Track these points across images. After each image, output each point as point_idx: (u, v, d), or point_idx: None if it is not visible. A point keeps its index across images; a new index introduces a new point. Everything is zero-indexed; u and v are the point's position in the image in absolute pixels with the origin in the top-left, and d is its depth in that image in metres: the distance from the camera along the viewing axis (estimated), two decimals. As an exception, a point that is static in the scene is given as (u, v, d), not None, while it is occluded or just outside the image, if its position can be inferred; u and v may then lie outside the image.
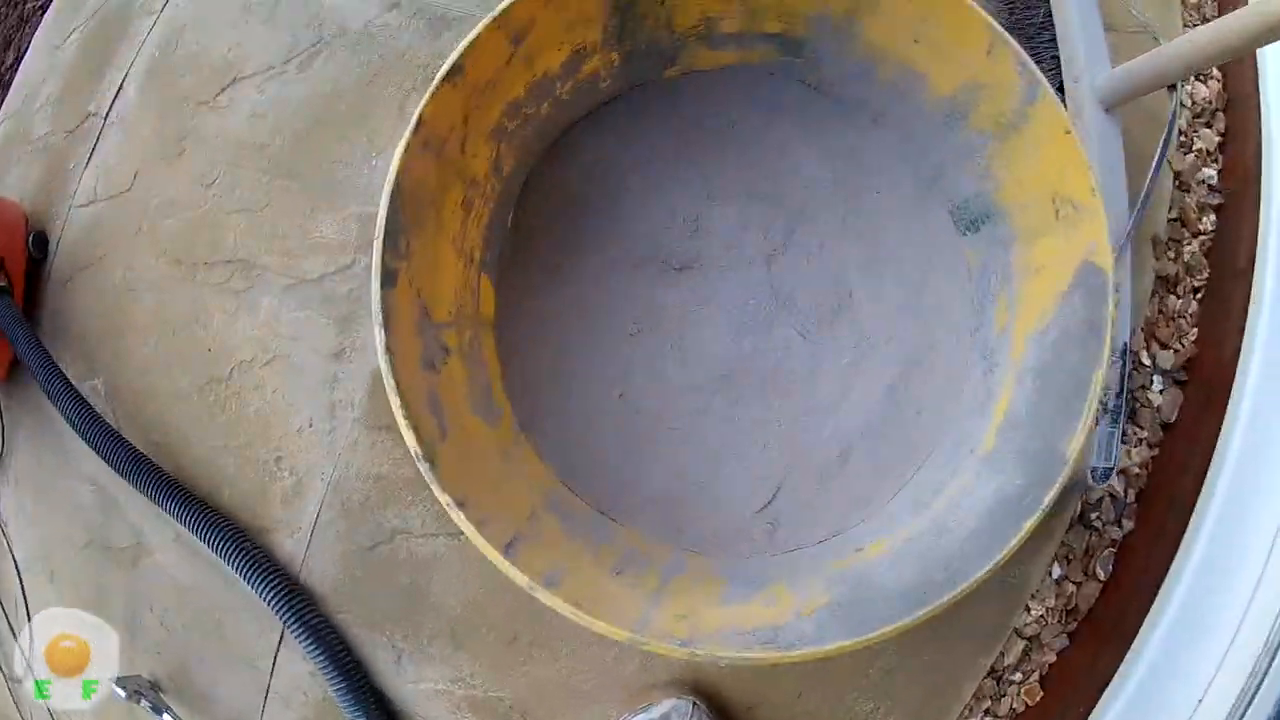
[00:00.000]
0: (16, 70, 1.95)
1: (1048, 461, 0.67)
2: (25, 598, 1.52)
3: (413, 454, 0.62)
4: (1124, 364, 1.05)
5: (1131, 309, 1.14)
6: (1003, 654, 1.14)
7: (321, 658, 1.15)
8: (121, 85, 1.65)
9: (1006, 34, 0.71)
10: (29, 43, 2.01)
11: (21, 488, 1.58)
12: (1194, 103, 1.39)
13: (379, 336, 0.64)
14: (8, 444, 1.56)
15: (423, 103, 0.67)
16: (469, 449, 0.68)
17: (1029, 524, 0.66)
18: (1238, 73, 1.40)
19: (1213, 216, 1.32)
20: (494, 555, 0.58)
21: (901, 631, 0.66)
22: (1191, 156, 1.35)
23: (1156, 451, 1.18)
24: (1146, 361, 1.21)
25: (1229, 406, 1.15)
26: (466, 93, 0.70)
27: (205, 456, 1.32)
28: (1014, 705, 1.16)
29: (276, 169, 1.37)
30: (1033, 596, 1.15)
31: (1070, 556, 1.17)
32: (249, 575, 1.20)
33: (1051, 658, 1.15)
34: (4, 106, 1.92)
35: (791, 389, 0.92)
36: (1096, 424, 1.01)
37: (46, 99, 1.82)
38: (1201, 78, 1.41)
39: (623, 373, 0.91)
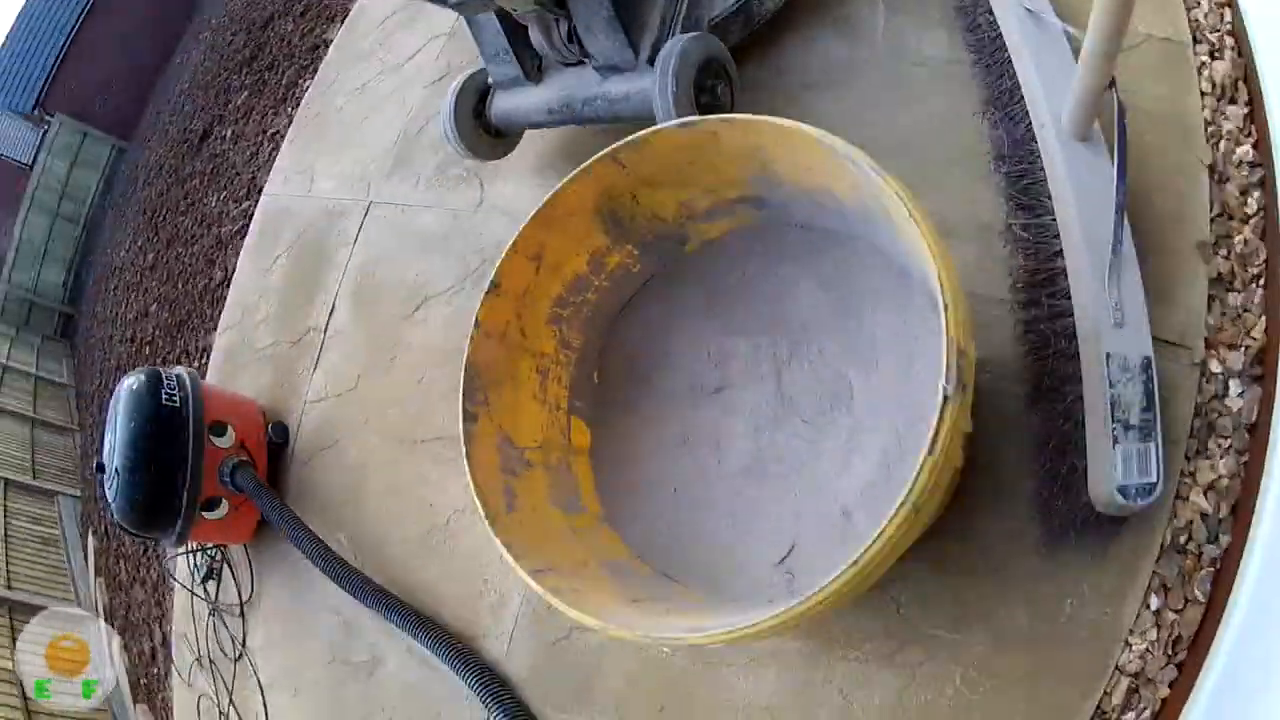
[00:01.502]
0: (226, 287, 2.80)
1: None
2: (267, 713, 2.14)
3: (481, 517, 1.08)
4: (1148, 379, 1.17)
5: (1151, 319, 1.23)
6: (1108, 694, 1.19)
7: None
8: (334, 305, 2.37)
9: (835, 140, 1.03)
10: (233, 264, 2.86)
11: (270, 623, 2.24)
12: (1214, 85, 1.46)
13: (463, 450, 1.13)
14: (257, 589, 2.24)
15: (478, 309, 1.18)
16: (536, 522, 1.13)
17: (878, 534, 0.92)
18: (1245, 35, 1.47)
19: (1258, 194, 1.35)
20: (521, 572, 1.01)
21: (777, 626, 0.93)
22: (1223, 143, 1.40)
23: (1246, 457, 1.21)
24: (1216, 369, 1.25)
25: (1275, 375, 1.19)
26: (509, 299, 1.20)
27: (430, 583, 1.89)
28: None
29: None
30: (1131, 632, 1.20)
31: (1167, 585, 1.19)
32: (462, 671, 1.66)
33: (1164, 692, 1.16)
34: (223, 318, 2.78)
35: (801, 468, 1.27)
36: (1115, 444, 1.14)
37: (266, 316, 2.60)
38: (1216, 53, 1.48)
39: (676, 473, 1.32)
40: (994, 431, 1.34)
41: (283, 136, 3.03)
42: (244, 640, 2.25)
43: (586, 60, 1.71)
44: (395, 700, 1.87)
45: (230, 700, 2.21)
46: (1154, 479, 1.14)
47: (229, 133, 3.64)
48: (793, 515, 1.26)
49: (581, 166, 1.17)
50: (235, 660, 2.24)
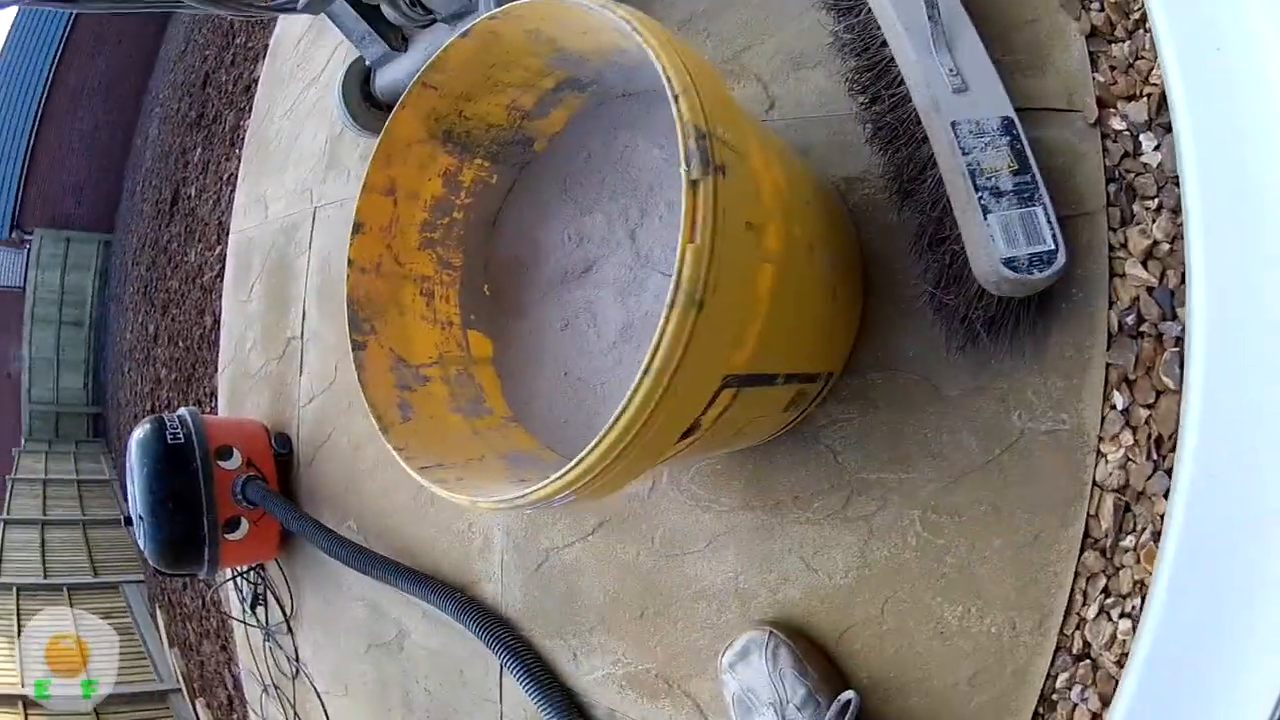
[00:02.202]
0: (218, 329, 3.01)
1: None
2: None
3: (376, 431, 1.20)
4: (1014, 140, 1.13)
5: (1037, 90, 1.22)
6: (1095, 517, 1.10)
7: (519, 672, 1.67)
8: (305, 311, 2.59)
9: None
10: (219, 307, 3.07)
11: (313, 629, 2.43)
12: None
13: (356, 376, 1.25)
14: (296, 600, 2.43)
15: (347, 247, 1.31)
16: (431, 428, 1.25)
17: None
18: None
19: None
20: (412, 472, 1.12)
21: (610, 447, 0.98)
22: None
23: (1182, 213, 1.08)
24: (1119, 125, 1.17)
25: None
26: (375, 235, 1.32)
27: (425, 543, 2.06)
28: (1137, 576, 1.06)
29: None
30: (1101, 439, 1.11)
31: (1128, 377, 1.10)
32: (464, 620, 1.80)
33: (1162, 506, 1.04)
34: (220, 359, 3.03)
35: None
36: (987, 214, 1.08)
37: (253, 342, 2.81)
38: None
39: (563, 358, 1.43)
40: (883, 249, 1.35)
41: (236, 177, 3.26)
42: (296, 655, 2.44)
43: (437, 18, 1.86)
44: (425, 668, 2.03)
45: (297, 717, 2.39)
46: (1050, 245, 1.08)
47: (193, 190, 3.92)
48: None
49: (398, 100, 1.28)
50: (294, 678, 2.44)
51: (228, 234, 3.17)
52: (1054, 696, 1.13)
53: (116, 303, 6.80)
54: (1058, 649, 1.13)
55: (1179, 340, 1.07)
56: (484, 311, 1.50)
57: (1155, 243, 1.11)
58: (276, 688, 2.53)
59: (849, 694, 1.18)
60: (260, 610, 2.61)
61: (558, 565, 1.76)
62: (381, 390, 1.25)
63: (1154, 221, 1.12)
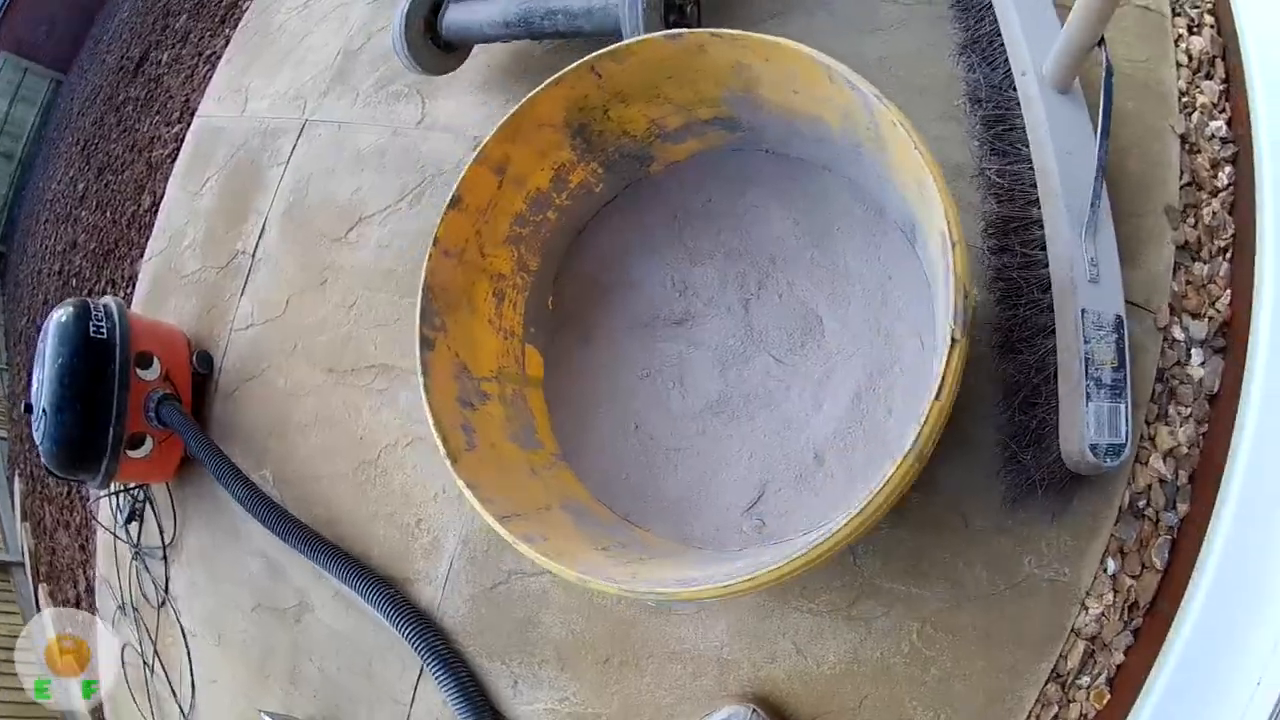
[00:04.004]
0: (155, 214, 2.63)
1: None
2: (191, 663, 2.03)
3: (442, 456, 0.98)
4: (1120, 337, 1.14)
5: (1124, 280, 1.22)
6: (1064, 657, 1.19)
7: (451, 686, 1.48)
8: (264, 227, 2.24)
9: (833, 63, 0.97)
10: (163, 190, 2.69)
11: (193, 566, 2.12)
12: (1190, 58, 1.45)
13: (420, 381, 1.02)
14: (180, 531, 2.12)
15: (436, 225, 1.07)
16: (496, 460, 1.05)
17: (886, 480, 0.87)
18: (1227, 13, 1.46)
19: (1229, 169, 1.34)
20: (490, 519, 0.92)
21: (759, 585, 0.89)
22: (1196, 115, 1.40)
23: (1206, 427, 1.22)
24: (1179, 336, 1.25)
25: (1247, 363, 1.18)
26: (470, 215, 1.09)
27: (360, 523, 1.78)
28: (1083, 710, 1.17)
29: (403, 289, 1.87)
30: (1088, 594, 1.20)
31: (1124, 549, 1.20)
32: (394, 619, 1.57)
33: (1119, 658, 1.17)
34: (150, 245, 2.61)
35: (770, 407, 1.21)
36: (1088, 401, 1.12)
37: (193, 240, 2.44)
38: (1194, 28, 1.47)
39: (636, 409, 1.24)
40: (962, 386, 1.30)
41: (219, 57, 2.81)
42: (167, 586, 2.12)
43: None
44: (324, 649, 1.79)
45: (155, 650, 2.09)
46: (1123, 440, 1.12)
47: (165, 57, 3.40)
48: (762, 456, 1.21)
49: (556, 75, 1.09)
50: (159, 607, 2.12)
51: (193, 115, 2.72)
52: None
53: (51, 146, 5.97)
54: (1010, 764, 1.19)
55: (1172, 529, 1.20)
56: (544, 326, 1.30)
57: (1178, 444, 1.21)
58: (136, 610, 2.18)
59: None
60: (134, 527, 2.25)
61: (519, 590, 1.55)
62: (446, 404, 1.03)
63: (1181, 426, 1.22)
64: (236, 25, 2.84)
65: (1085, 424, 1.12)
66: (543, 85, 1.08)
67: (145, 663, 2.12)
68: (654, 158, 1.27)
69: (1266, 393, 1.15)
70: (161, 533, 2.17)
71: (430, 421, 1.01)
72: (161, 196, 2.66)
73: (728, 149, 1.28)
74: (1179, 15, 1.50)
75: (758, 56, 0.99)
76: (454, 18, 1.75)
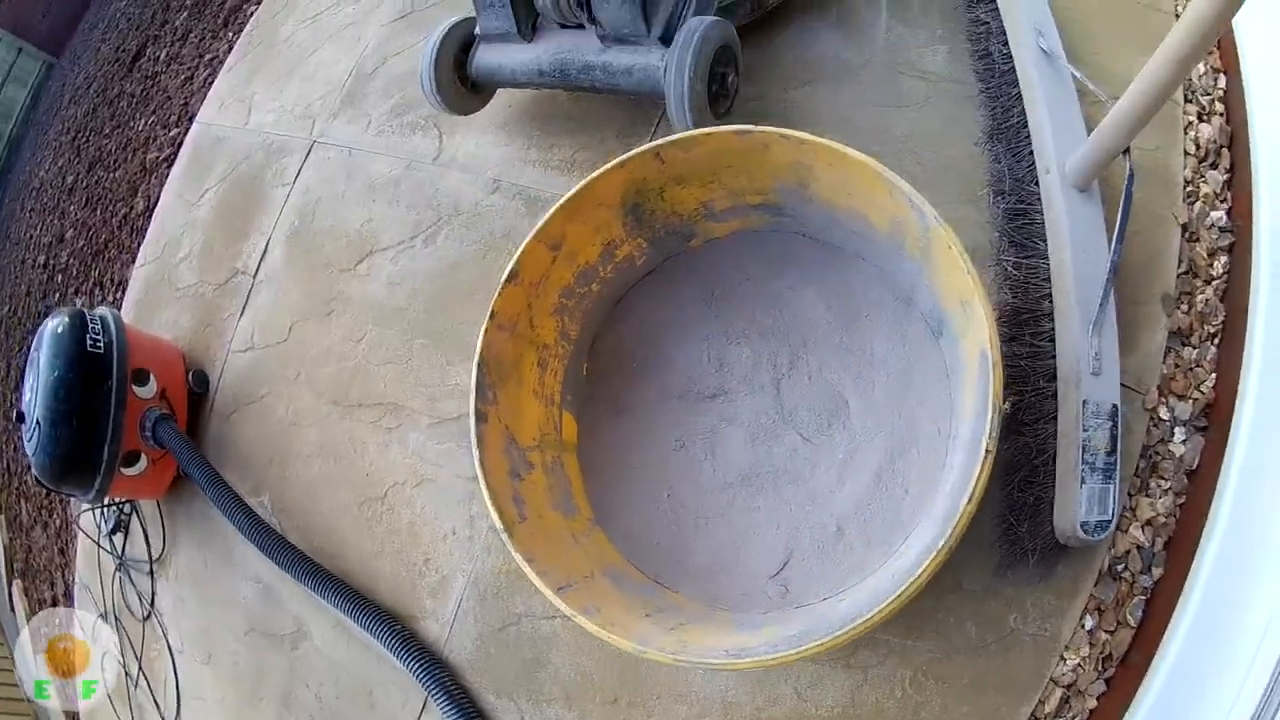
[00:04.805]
0: (149, 218, 2.60)
1: (950, 517, 0.96)
2: (177, 678, 2.05)
3: (499, 530, 1.02)
4: (1114, 425, 1.24)
5: (1120, 368, 1.31)
6: (1042, 702, 1.31)
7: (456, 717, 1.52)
8: (266, 248, 2.23)
9: (898, 180, 1.05)
10: (157, 194, 2.67)
11: (181, 583, 2.13)
12: (1199, 146, 1.54)
13: (475, 455, 1.06)
14: (168, 547, 2.11)
15: (493, 299, 1.10)
16: (543, 530, 1.10)
17: (922, 570, 0.94)
18: (1238, 103, 1.53)
19: (1225, 259, 1.45)
20: (549, 593, 0.97)
21: (806, 655, 0.96)
22: (1198, 204, 1.49)
23: (1184, 499, 1.34)
24: (1165, 416, 1.37)
25: (1228, 445, 1.29)
26: (525, 288, 1.14)
27: (364, 559, 1.81)
28: None
29: (414, 329, 1.89)
30: (1067, 648, 1.32)
31: (1101, 608, 1.32)
32: (400, 653, 1.60)
33: (1092, 703, 1.31)
34: (143, 251, 2.57)
35: (796, 482, 1.28)
36: (1083, 484, 1.23)
37: (190, 252, 2.41)
38: (1204, 116, 1.56)
39: (669, 478, 1.31)
40: None
41: (221, 63, 2.78)
42: (153, 600, 2.11)
43: (588, 26, 1.62)
44: (322, 676, 1.81)
45: (139, 661, 2.09)
46: (1110, 517, 1.24)
47: (163, 54, 3.32)
48: (788, 527, 1.28)
49: (619, 159, 1.15)
50: (144, 620, 2.10)
51: (191, 120, 2.69)
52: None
53: (40, 132, 5.75)
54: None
55: (1147, 590, 1.32)
56: (578, 393, 1.36)
57: (1157, 514, 1.32)
58: (118, 619, 2.16)
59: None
60: (118, 538, 2.22)
61: (528, 631, 1.60)
62: (499, 477, 1.09)
63: (1160, 499, 1.33)
64: (240, 30, 2.82)
65: (1079, 504, 1.22)
66: (606, 167, 1.14)
67: (127, 673, 2.11)
68: (696, 234, 1.34)
69: (1245, 469, 1.25)
70: (149, 547, 2.18)
71: (486, 496, 1.06)
72: (156, 201, 2.64)
73: (767, 230, 1.35)
74: (1190, 102, 1.59)
75: (820, 161, 1.06)
76: (485, 60, 1.76)
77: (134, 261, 2.56)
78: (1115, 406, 1.25)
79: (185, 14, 3.33)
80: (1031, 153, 1.42)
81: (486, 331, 1.12)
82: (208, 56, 2.90)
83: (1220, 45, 1.61)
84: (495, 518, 1.03)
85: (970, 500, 0.93)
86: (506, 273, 1.12)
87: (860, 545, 1.22)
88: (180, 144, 2.65)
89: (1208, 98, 1.58)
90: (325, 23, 2.50)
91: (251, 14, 2.81)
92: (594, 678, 1.51)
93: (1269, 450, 1.24)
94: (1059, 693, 1.30)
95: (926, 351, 1.27)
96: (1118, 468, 1.25)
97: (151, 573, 2.15)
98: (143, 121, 3.10)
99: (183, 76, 2.98)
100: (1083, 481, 1.23)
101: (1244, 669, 1.14)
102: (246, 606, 1.95)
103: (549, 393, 1.26)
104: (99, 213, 3.04)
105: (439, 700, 1.54)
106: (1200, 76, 1.60)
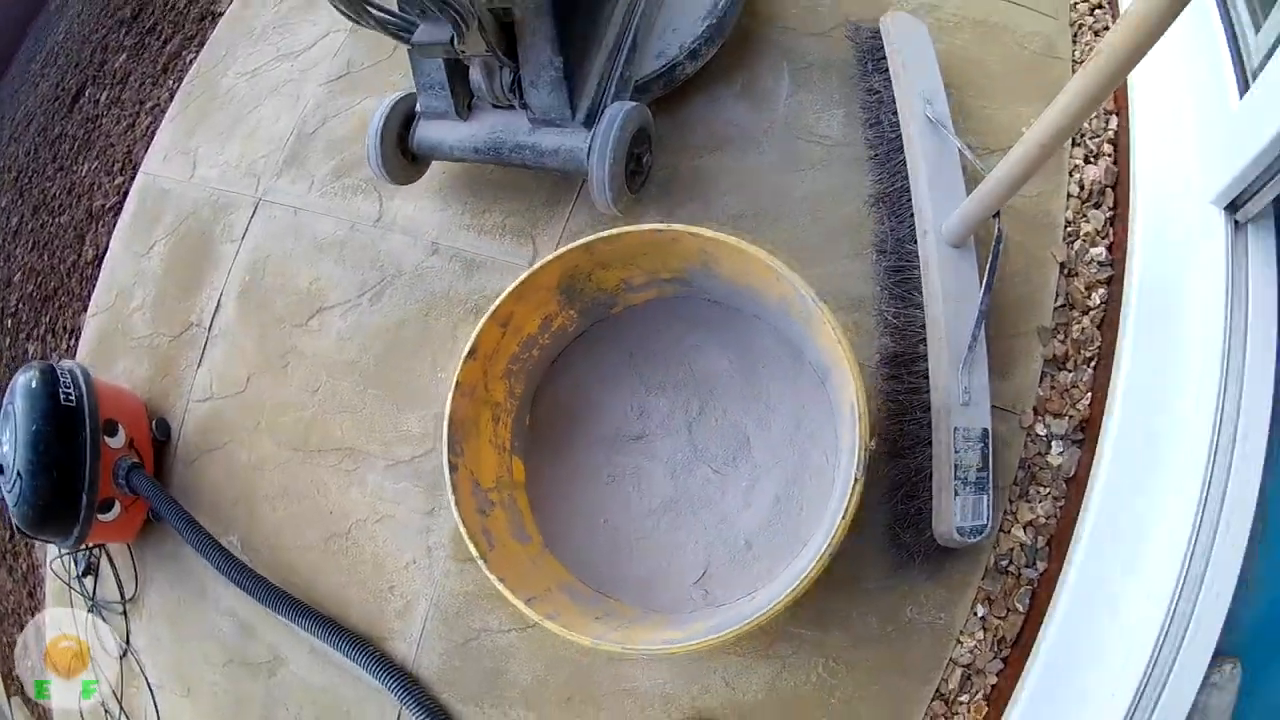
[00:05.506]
0: (98, 266, 2.75)
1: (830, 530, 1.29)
2: (158, 712, 2.26)
3: (476, 559, 1.35)
4: (985, 445, 1.50)
5: (993, 395, 1.53)
6: (945, 680, 1.58)
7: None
8: (220, 302, 2.46)
9: (784, 268, 1.35)
10: (105, 242, 2.79)
11: (156, 622, 2.36)
12: (1083, 188, 1.75)
13: (451, 499, 1.40)
14: (141, 587, 2.32)
15: (458, 370, 1.45)
16: (508, 556, 1.45)
17: (809, 570, 1.25)
18: (1126, 143, 1.72)
19: (1103, 290, 1.67)
20: (520, 604, 1.30)
21: (726, 640, 1.26)
22: (1079, 242, 1.71)
23: (1064, 502, 1.60)
24: (1041, 432, 1.63)
25: (1095, 452, 1.54)
26: (481, 360, 1.47)
27: (333, 590, 2.08)
28: None
29: (366, 381, 2.17)
30: (962, 633, 1.59)
31: (991, 598, 1.59)
32: (376, 672, 1.89)
33: (992, 680, 1.56)
34: (95, 299, 2.74)
35: (710, 506, 1.65)
36: (956, 496, 1.48)
37: (143, 303, 2.61)
38: (1091, 158, 1.77)
39: (604, 508, 1.67)
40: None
41: (163, 111, 2.94)
42: (128, 639, 2.34)
43: (519, 107, 1.87)
44: (299, 699, 2.04)
45: (119, 700, 2.31)
46: (984, 522, 1.49)
47: (104, 96, 3.43)
48: (705, 543, 1.64)
49: (558, 253, 1.46)
50: (120, 658, 2.32)
51: (135, 169, 2.84)
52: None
53: None
54: (907, 765, 1.58)
55: (1032, 581, 1.57)
56: (524, 440, 1.72)
57: (1037, 516, 1.60)
58: (94, 660, 2.36)
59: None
60: (89, 580, 2.43)
61: (488, 645, 1.86)
62: (470, 514, 1.42)
63: (1040, 503, 1.60)
64: (181, 79, 2.98)
65: (954, 513, 1.49)
66: (546, 259, 1.46)
67: (107, 711, 2.32)
68: (618, 303, 1.69)
69: (1110, 471, 1.50)
70: (121, 588, 2.40)
71: (463, 531, 1.38)
72: (105, 249, 2.81)
73: (677, 297, 1.71)
74: (1078, 145, 1.81)
75: (722, 251, 1.40)
76: (426, 135, 2.01)
77: (85, 310, 2.73)
78: (985, 430, 1.50)
79: (124, 55, 3.48)
80: (912, 215, 1.67)
81: (453, 399, 1.45)
82: (149, 104, 3.06)
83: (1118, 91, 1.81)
84: (472, 549, 1.35)
85: (844, 516, 1.23)
86: (467, 349, 1.45)
87: (766, 555, 1.57)
88: (126, 193, 2.82)
89: (1096, 140, 1.80)
90: (265, 78, 2.71)
91: (191, 61, 2.99)
92: (548, 681, 1.79)
93: (1128, 454, 1.49)
94: (959, 672, 1.56)
95: (815, 395, 1.63)
96: (989, 481, 1.50)
97: (125, 612, 2.37)
98: (86, 166, 3.25)
99: (124, 123, 3.14)
100: (956, 494, 1.48)
101: (1113, 638, 1.39)
102: (222, 639, 2.17)
103: (501, 441, 1.59)
104: (47, 258, 3.16)
105: (412, 709, 1.81)
106: (1092, 120, 1.82)
